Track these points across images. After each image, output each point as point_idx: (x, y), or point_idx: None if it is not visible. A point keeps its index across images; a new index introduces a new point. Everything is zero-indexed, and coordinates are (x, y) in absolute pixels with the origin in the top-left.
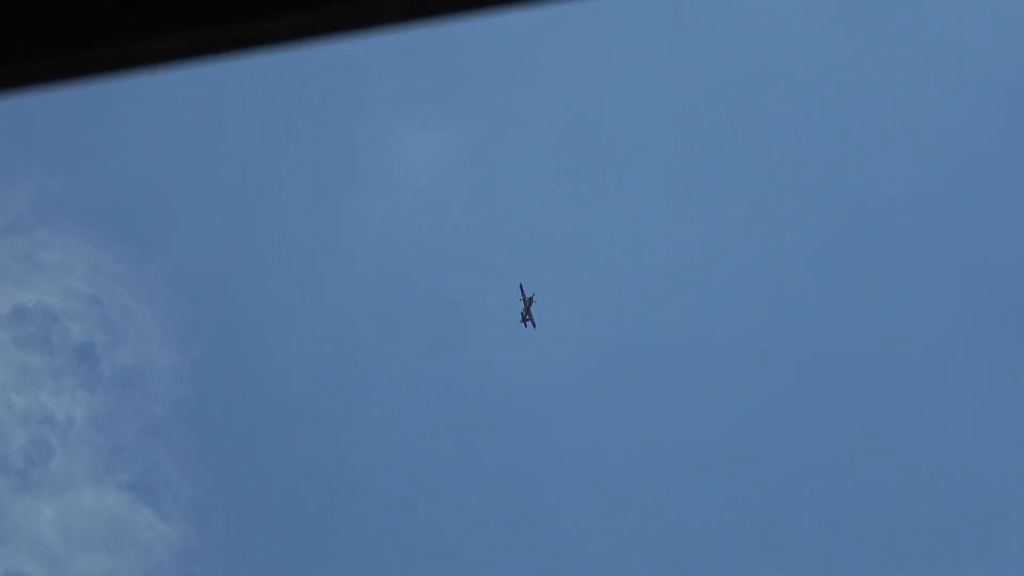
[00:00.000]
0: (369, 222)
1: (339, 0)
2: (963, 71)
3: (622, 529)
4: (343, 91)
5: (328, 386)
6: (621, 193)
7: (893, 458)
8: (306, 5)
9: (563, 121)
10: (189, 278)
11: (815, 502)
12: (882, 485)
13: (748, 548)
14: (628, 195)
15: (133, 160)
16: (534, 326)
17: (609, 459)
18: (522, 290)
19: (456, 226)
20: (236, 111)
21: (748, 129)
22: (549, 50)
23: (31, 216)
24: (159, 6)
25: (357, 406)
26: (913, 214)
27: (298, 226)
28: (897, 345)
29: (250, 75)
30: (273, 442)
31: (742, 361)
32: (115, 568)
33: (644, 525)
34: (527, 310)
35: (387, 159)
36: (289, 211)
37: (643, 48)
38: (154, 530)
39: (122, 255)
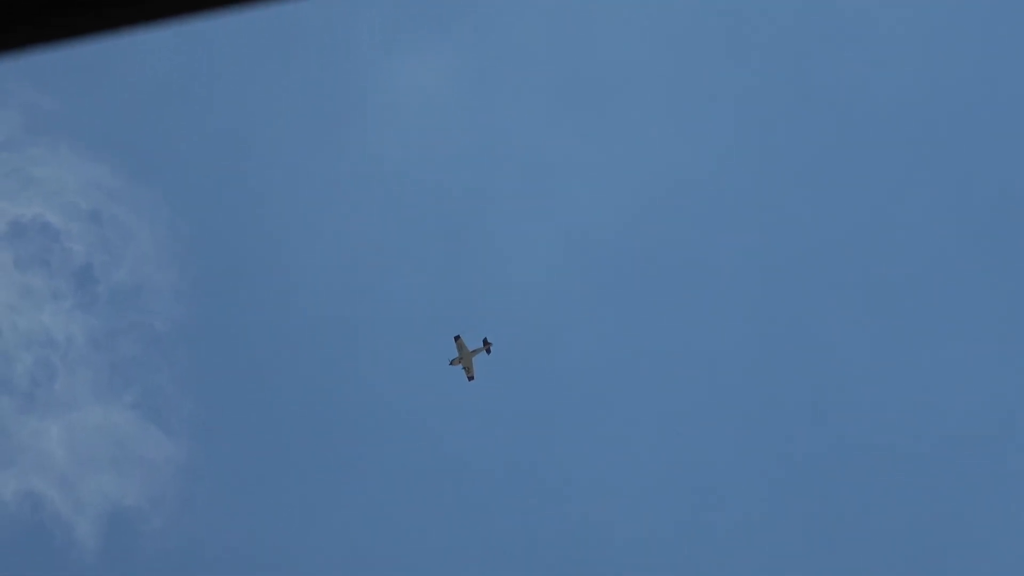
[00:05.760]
0: (368, 144)
1: None
2: None
3: (619, 444)
4: (336, 15)
5: (329, 305)
6: (619, 112)
7: (892, 378)
8: None
9: (558, 41)
10: (187, 196)
11: (815, 424)
12: (881, 404)
13: (749, 471)
14: (625, 114)
15: (126, 78)
16: (470, 378)
17: (608, 375)
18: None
19: (455, 149)
20: (229, 36)
21: (745, 50)
22: None
23: (22, 135)
24: None
25: (359, 326)
26: (909, 129)
27: (298, 148)
28: (897, 258)
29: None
30: (273, 360)
31: (738, 278)
32: (124, 485)
33: (639, 446)
34: (472, 354)
35: (383, 82)
36: (288, 133)
37: None
38: (160, 448)
39: (119, 172)
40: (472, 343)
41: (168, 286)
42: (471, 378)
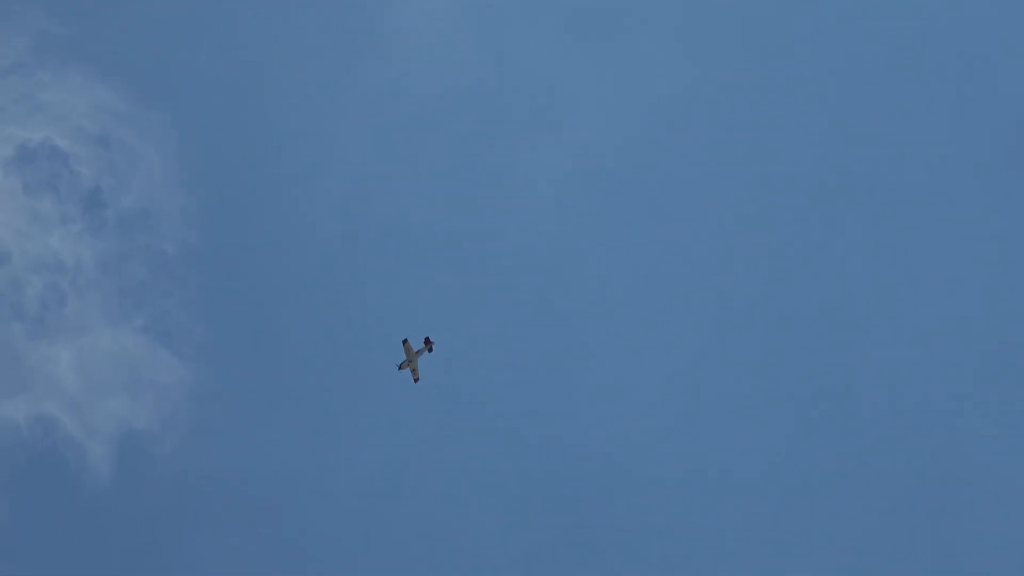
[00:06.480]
0: (378, 68)
1: None
2: None
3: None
4: None
5: (339, 230)
6: (630, 35)
7: (893, 284)
8: None
9: None
10: (196, 120)
11: (829, 347)
12: (884, 307)
13: (764, 399)
14: (637, 37)
15: (134, 1)
16: (415, 380)
17: (620, 297)
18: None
19: (465, 73)
20: None
21: None
22: None
23: (30, 59)
24: None
25: (369, 250)
26: (918, 52)
27: (308, 72)
28: (903, 182)
29: None
30: (283, 284)
31: (750, 202)
32: (135, 409)
33: (652, 374)
34: (417, 355)
35: (394, 5)
36: (298, 57)
37: None
38: (171, 371)
39: (127, 96)
40: (416, 343)
41: (177, 210)
42: (417, 380)
